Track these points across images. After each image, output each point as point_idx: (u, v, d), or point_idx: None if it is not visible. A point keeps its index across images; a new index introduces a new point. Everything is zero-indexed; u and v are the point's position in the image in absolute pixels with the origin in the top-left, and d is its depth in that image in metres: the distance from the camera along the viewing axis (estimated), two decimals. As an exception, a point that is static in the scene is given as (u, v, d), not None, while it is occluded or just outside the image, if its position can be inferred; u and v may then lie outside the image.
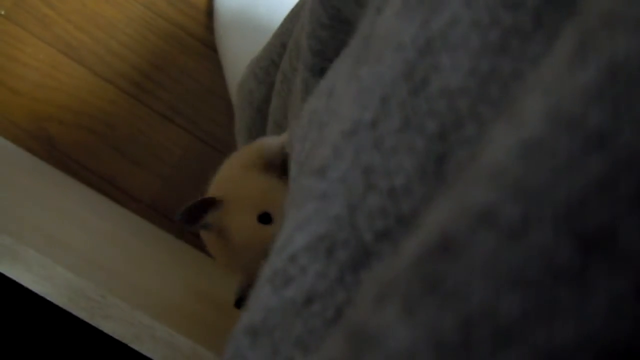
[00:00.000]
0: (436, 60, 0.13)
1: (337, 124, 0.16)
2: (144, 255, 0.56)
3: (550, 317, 0.10)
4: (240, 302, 0.42)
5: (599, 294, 0.10)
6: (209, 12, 0.79)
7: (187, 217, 0.43)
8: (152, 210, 0.77)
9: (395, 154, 0.14)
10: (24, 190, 0.56)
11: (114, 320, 0.35)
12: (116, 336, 0.35)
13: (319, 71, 0.31)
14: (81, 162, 0.76)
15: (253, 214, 0.43)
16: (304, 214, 0.16)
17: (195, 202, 0.43)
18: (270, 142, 0.46)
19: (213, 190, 0.47)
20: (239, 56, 0.74)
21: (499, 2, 0.14)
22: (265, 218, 0.43)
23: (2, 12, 0.76)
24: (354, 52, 0.19)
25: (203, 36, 0.78)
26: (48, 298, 0.35)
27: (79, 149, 0.76)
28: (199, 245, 0.78)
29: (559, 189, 0.10)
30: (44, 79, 0.76)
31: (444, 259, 0.11)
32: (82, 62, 0.77)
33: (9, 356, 0.37)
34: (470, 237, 0.11)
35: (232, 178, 0.46)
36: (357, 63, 0.17)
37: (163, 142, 0.78)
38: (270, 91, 0.50)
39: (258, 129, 0.55)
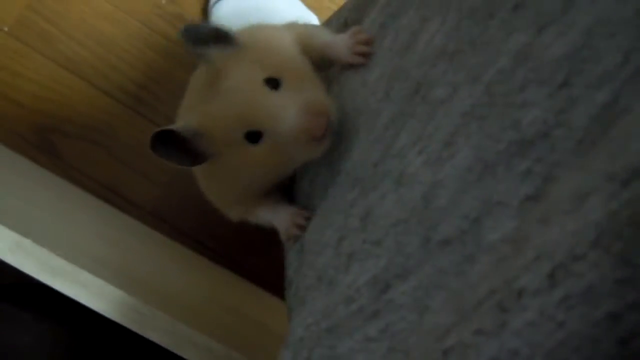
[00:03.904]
0: None
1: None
2: (158, 262, 0.61)
3: None
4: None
5: None
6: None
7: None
8: (152, 217, 0.82)
9: None
10: (46, 203, 0.61)
11: (159, 331, 0.41)
12: (162, 344, 0.41)
13: None
14: (84, 171, 0.80)
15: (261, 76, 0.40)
16: None
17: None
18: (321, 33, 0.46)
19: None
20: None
21: None
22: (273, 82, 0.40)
23: (5, 29, 0.79)
24: None
25: (199, 52, 0.83)
26: (102, 313, 0.41)
27: (82, 160, 0.80)
28: (199, 249, 0.83)
29: None
30: (47, 93, 0.80)
31: None
32: (83, 76, 0.81)
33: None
34: None
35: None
36: None
37: (161, 151, 0.82)
38: None
39: None
